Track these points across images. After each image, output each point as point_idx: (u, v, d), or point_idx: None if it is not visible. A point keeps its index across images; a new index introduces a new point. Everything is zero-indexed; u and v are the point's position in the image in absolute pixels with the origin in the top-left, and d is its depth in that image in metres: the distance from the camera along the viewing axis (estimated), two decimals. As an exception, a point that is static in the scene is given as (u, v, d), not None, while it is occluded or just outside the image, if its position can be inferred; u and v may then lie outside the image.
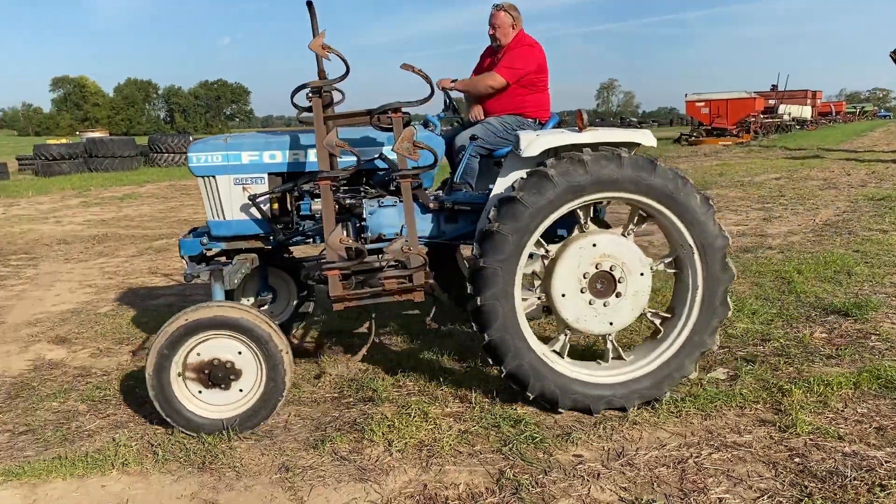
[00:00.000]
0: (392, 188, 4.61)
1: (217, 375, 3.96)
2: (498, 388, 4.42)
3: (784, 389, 4.24)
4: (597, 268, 4.08)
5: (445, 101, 5.50)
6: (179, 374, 3.95)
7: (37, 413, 4.46)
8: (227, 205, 4.60)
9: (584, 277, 4.08)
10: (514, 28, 5.23)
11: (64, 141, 32.71)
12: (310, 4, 4.27)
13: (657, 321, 4.30)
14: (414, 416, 4.08)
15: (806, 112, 49.54)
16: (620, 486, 3.33)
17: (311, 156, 4.53)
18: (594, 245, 4.07)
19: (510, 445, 3.71)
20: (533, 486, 3.34)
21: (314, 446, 3.83)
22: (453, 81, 5.32)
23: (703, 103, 36.73)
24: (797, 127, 45.57)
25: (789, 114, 44.52)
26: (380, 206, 4.62)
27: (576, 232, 4.23)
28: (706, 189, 13.86)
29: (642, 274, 4.11)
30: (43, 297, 7.55)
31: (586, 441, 3.77)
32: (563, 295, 4.09)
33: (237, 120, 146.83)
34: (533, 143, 4.10)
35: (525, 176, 3.98)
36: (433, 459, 3.63)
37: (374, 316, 4.70)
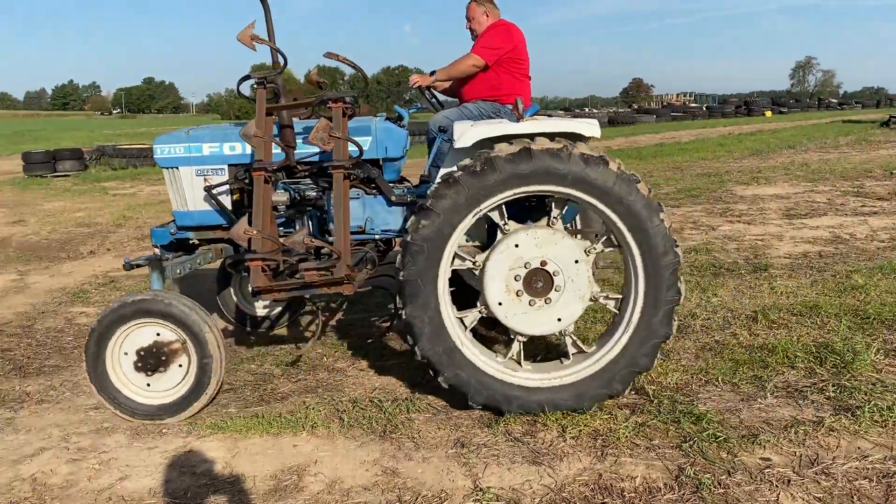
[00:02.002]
0: (352, 180, 4.51)
1: (150, 361, 4.11)
2: (678, 384, 4.26)
3: None
4: (527, 267, 3.84)
5: (426, 96, 5.28)
6: (113, 360, 4.11)
7: (238, 374, 4.88)
8: (190, 195, 4.67)
9: (517, 280, 3.85)
10: (487, 17, 5.01)
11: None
12: None
13: (611, 304, 4.02)
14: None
15: None
16: (814, 497, 3.09)
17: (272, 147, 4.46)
18: (517, 245, 3.85)
19: (691, 442, 3.56)
20: (715, 487, 3.18)
21: (488, 425, 3.89)
22: (431, 74, 5.05)
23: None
24: None
25: None
26: None
27: (499, 236, 3.97)
28: (920, 178, 12.46)
29: (577, 261, 3.84)
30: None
31: (775, 445, 3.53)
32: (500, 303, 3.88)
33: (417, 104, 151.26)
34: (466, 133, 3.89)
35: (439, 182, 3.82)
36: (608, 450, 3.56)
37: (318, 305, 4.71)
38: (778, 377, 4.31)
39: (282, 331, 5.83)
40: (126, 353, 4.12)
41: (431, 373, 3.96)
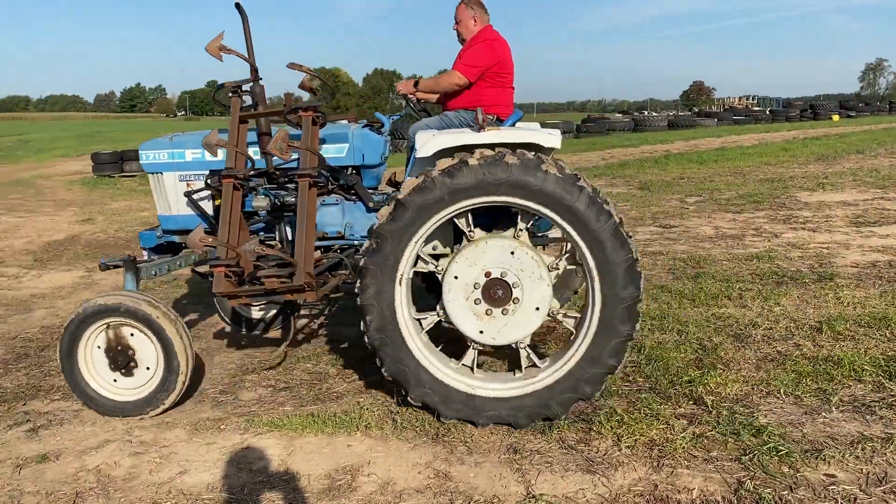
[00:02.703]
0: (330, 187, 4.61)
1: (118, 360, 4.22)
2: (738, 395, 4.15)
3: None
4: (487, 276, 3.82)
5: (411, 104, 5.17)
6: (85, 357, 4.24)
7: (294, 373, 4.96)
8: (174, 200, 4.79)
9: (476, 288, 3.85)
10: (475, 22, 4.91)
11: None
12: (238, 6, 4.31)
13: (570, 322, 3.98)
14: (644, 414, 3.96)
15: None
16: (882, 517, 2.98)
17: (251, 153, 4.48)
18: (484, 252, 3.84)
19: (751, 455, 3.46)
20: (776, 502, 3.09)
21: (542, 431, 3.86)
22: (415, 85, 4.97)
23: None
24: None
25: None
26: (322, 204, 4.64)
27: (464, 242, 3.93)
28: None
29: (541, 277, 3.81)
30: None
31: (840, 461, 3.40)
32: (459, 308, 3.88)
33: (401, 112, 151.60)
34: (428, 143, 3.90)
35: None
36: (665, 460, 3.49)
37: (293, 314, 4.75)
38: (844, 390, 4.17)
39: (276, 333, 5.96)
40: (97, 349, 4.28)
41: (378, 362, 4.00)
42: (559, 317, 3.99)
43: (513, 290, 3.83)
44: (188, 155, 4.73)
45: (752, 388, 4.26)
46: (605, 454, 3.59)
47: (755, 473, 3.32)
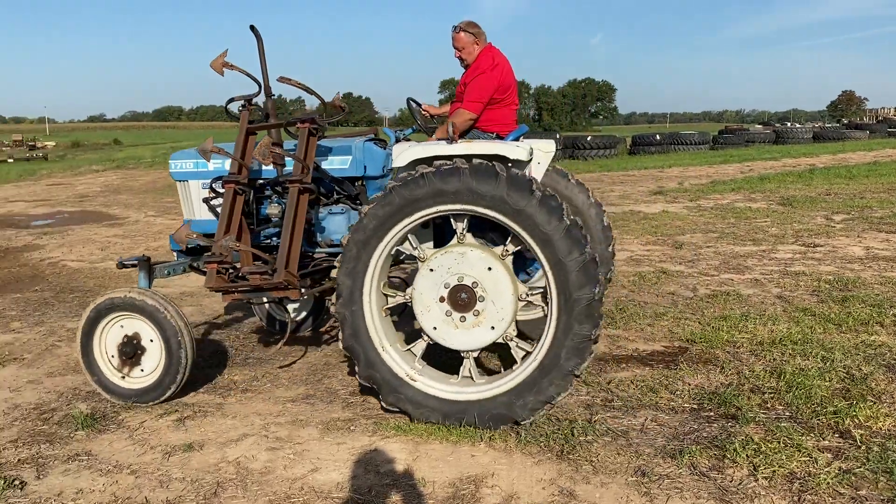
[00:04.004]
0: (336, 197, 4.91)
1: (126, 351, 4.57)
2: (891, 431, 3.84)
3: None
4: (447, 287, 4.06)
5: (419, 121, 5.47)
6: (102, 349, 4.63)
7: (420, 379, 5.04)
8: (197, 206, 5.16)
9: (445, 292, 4.07)
10: (477, 45, 5.12)
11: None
12: (253, 28, 4.63)
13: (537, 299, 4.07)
14: (784, 444, 3.74)
15: None
16: None
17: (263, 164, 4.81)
18: (431, 270, 4.08)
19: (905, 498, 3.20)
20: (935, 552, 2.84)
21: (671, 456, 3.72)
22: (434, 118, 5.22)
23: None
24: None
25: None
26: (330, 213, 4.96)
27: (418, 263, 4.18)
28: None
29: (490, 269, 4.00)
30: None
31: None
32: (435, 328, 4.13)
33: (601, 117, 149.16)
34: (403, 153, 4.14)
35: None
36: (806, 496, 3.28)
37: (291, 312, 4.89)
38: None
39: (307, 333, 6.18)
40: (110, 344, 4.67)
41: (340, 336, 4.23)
42: (529, 298, 4.12)
43: (475, 290, 4.05)
44: (210, 165, 5.08)
45: (908, 425, 3.93)
46: (740, 483, 3.42)
47: (911, 518, 3.07)
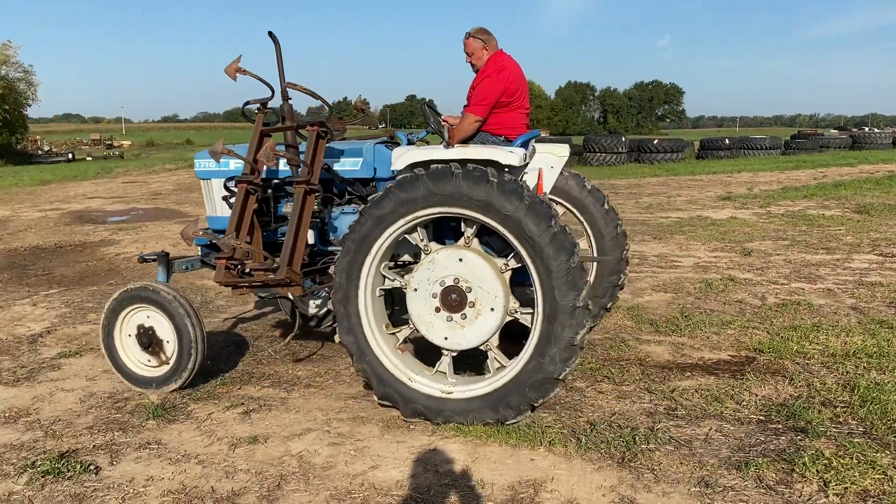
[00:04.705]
0: (348, 197, 5.06)
1: (143, 340, 4.82)
2: (973, 449, 3.66)
3: None
4: (441, 285, 4.15)
5: (432, 124, 5.33)
6: (120, 337, 4.92)
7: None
8: (219, 203, 5.35)
9: (434, 297, 4.16)
10: (486, 50, 5.16)
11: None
12: (271, 34, 4.77)
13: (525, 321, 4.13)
14: (857, 460, 3.60)
15: None
16: None
17: (282, 163, 5.01)
18: (432, 262, 4.18)
19: None
20: None
21: (737, 467, 3.63)
22: (448, 126, 5.08)
23: None
24: None
25: None
26: (342, 213, 5.10)
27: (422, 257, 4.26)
28: None
29: (490, 276, 4.07)
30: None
31: None
32: (432, 326, 4.22)
33: (668, 120, 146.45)
34: (401, 157, 4.24)
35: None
36: (880, 514, 3.16)
37: (313, 308, 5.07)
38: None
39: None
40: (129, 334, 4.95)
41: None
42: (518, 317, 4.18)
43: (467, 295, 4.13)
44: (231, 164, 5.27)
45: None
46: (809, 499, 3.31)
47: None
